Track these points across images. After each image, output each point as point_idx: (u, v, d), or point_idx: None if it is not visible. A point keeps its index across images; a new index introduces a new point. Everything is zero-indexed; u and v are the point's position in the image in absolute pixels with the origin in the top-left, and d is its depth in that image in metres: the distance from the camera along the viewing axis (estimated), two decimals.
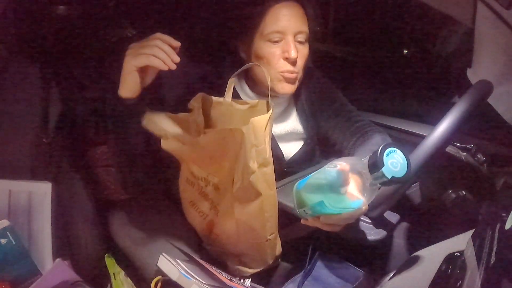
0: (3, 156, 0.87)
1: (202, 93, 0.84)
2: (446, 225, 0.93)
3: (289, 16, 0.87)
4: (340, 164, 0.61)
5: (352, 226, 0.72)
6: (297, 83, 0.94)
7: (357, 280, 0.84)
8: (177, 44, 0.71)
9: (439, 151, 0.72)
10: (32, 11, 1.04)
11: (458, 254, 0.61)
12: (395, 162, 0.57)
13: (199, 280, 0.71)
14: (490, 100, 0.78)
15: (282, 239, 0.87)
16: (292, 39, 0.88)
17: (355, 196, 0.60)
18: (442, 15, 0.84)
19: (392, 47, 1.83)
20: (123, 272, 0.95)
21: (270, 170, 0.76)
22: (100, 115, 1.06)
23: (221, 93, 0.86)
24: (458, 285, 0.53)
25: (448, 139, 0.72)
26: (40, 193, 0.84)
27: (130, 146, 0.82)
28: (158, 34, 0.71)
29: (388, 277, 0.73)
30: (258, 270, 0.87)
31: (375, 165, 0.56)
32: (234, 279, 0.80)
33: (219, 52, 1.06)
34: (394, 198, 0.74)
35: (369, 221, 0.84)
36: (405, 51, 1.84)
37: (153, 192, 1.06)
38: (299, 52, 0.89)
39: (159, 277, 0.76)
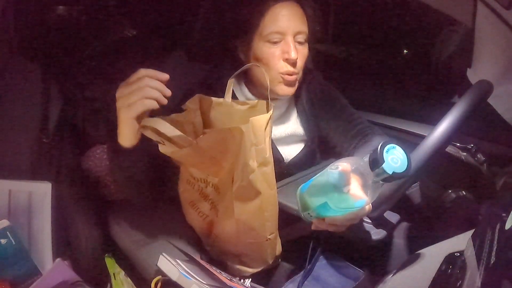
0: (3, 156, 0.87)
1: (200, 94, 0.84)
2: (446, 225, 0.93)
3: (288, 16, 0.86)
4: (342, 165, 0.61)
5: (354, 226, 0.72)
6: (296, 84, 0.93)
7: (357, 280, 0.84)
8: (166, 77, 0.67)
9: (439, 151, 0.72)
10: (32, 11, 1.04)
11: (458, 254, 0.61)
12: (395, 158, 0.57)
13: (199, 280, 0.71)
14: (490, 100, 0.78)
15: (282, 239, 0.87)
16: (292, 40, 0.87)
17: (358, 195, 0.60)
18: (442, 15, 0.84)
19: (392, 47, 1.83)
20: (123, 272, 0.95)
21: (270, 169, 0.75)
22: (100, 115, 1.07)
23: (221, 95, 0.86)
24: (458, 285, 0.53)
25: (448, 139, 0.72)
26: (40, 193, 0.84)
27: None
28: (143, 71, 0.66)
29: (388, 277, 0.73)
30: (258, 270, 0.87)
31: (376, 161, 0.57)
32: (234, 279, 0.80)
33: (218, 54, 1.06)
34: (394, 198, 0.74)
35: (369, 221, 0.84)
36: (405, 51, 1.84)
37: (153, 193, 1.06)
38: (299, 53, 0.88)
39: (159, 277, 0.76)
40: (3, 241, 0.76)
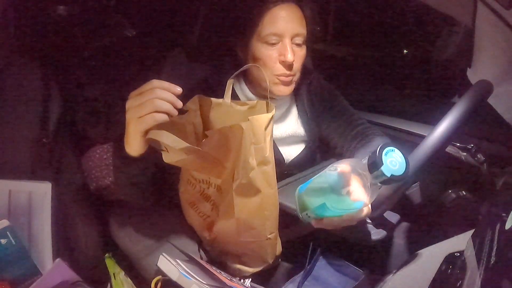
0: (3, 156, 0.87)
1: (199, 95, 0.84)
2: (446, 225, 0.93)
3: (286, 18, 0.86)
4: (340, 166, 0.62)
5: (354, 226, 0.72)
6: (293, 84, 0.94)
7: (357, 280, 0.84)
8: (179, 90, 0.64)
9: (439, 151, 0.72)
10: (32, 11, 1.04)
11: (458, 254, 0.62)
12: (393, 161, 0.58)
13: (199, 280, 0.71)
14: (490, 100, 0.78)
15: (282, 239, 0.87)
16: (289, 42, 0.87)
17: (356, 197, 0.60)
18: (442, 15, 0.84)
19: (392, 47, 1.84)
20: (123, 272, 0.95)
21: (270, 169, 0.75)
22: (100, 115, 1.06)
23: (221, 95, 0.86)
24: (458, 285, 0.53)
25: (448, 139, 0.72)
26: (40, 193, 0.84)
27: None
28: (156, 82, 0.64)
29: (388, 277, 0.73)
30: (258, 269, 0.87)
31: (374, 164, 0.57)
32: (234, 279, 0.80)
33: (218, 54, 1.06)
34: (394, 198, 0.74)
35: (369, 221, 0.84)
36: (405, 51, 1.84)
37: (153, 193, 1.06)
38: (296, 55, 0.88)
39: (159, 277, 0.76)
40: (3, 241, 0.76)
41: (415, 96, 1.58)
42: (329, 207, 0.63)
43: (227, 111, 0.86)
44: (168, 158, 0.68)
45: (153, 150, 0.70)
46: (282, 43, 0.87)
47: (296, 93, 1.04)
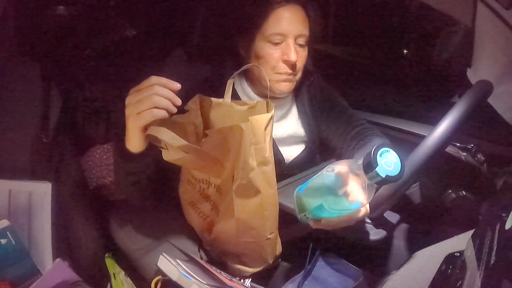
0: (3, 156, 0.87)
1: (200, 94, 0.84)
2: (446, 225, 0.93)
3: (291, 19, 0.88)
4: (337, 167, 0.62)
5: (354, 226, 0.72)
6: (294, 82, 0.95)
7: (357, 280, 0.84)
8: (177, 86, 0.65)
9: (439, 151, 0.72)
10: (32, 11, 1.04)
11: (458, 254, 0.62)
12: (388, 161, 0.58)
13: (199, 280, 0.71)
14: (490, 100, 0.78)
15: (282, 239, 0.87)
16: (293, 42, 0.88)
17: (353, 197, 0.60)
18: (442, 15, 0.84)
19: (392, 47, 1.84)
20: (123, 272, 0.95)
21: (270, 169, 0.75)
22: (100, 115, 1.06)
23: (222, 95, 0.86)
24: (458, 285, 0.53)
25: (448, 139, 0.72)
26: (40, 193, 0.84)
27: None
28: (154, 78, 0.64)
29: (388, 277, 0.73)
30: (258, 269, 0.87)
31: (369, 165, 0.58)
32: (234, 279, 0.80)
33: (219, 53, 1.06)
34: (393, 198, 0.74)
35: (369, 221, 0.84)
36: (405, 51, 1.84)
37: (153, 193, 1.06)
38: (299, 55, 0.89)
39: (159, 277, 0.76)
40: (3, 241, 0.76)
41: (415, 96, 1.58)
42: (327, 208, 0.64)
43: (227, 111, 0.86)
44: (167, 156, 0.69)
45: (154, 148, 0.71)
46: (286, 43, 0.88)
47: (296, 94, 1.04)
